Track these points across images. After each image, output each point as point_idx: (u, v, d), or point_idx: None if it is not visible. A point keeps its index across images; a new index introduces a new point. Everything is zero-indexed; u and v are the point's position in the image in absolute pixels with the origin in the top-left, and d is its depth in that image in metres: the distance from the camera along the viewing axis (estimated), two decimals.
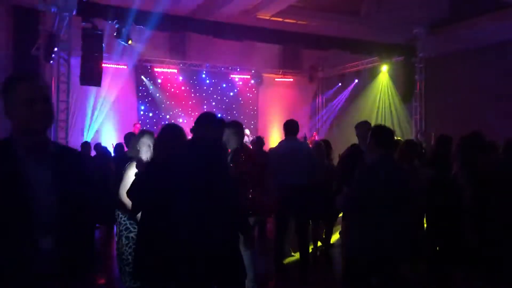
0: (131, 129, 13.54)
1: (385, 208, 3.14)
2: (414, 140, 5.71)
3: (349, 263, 3.34)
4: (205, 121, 3.48)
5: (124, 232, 3.94)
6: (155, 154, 3.54)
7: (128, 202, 3.83)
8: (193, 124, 3.63)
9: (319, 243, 6.95)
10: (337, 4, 14.07)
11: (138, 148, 4.05)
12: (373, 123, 6.39)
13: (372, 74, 15.45)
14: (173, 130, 3.48)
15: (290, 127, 5.78)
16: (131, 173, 3.87)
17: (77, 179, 2.05)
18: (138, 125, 14.09)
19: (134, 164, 3.92)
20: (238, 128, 4.82)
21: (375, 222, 3.16)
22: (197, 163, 3.12)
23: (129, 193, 3.40)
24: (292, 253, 6.66)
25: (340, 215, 6.63)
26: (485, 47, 11.81)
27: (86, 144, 8.68)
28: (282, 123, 17.90)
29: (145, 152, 4.03)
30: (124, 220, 3.97)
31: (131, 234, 3.89)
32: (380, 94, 15.12)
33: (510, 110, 10.78)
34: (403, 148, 5.22)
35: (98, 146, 8.61)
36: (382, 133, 3.36)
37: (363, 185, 3.23)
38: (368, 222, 3.20)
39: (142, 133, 4.25)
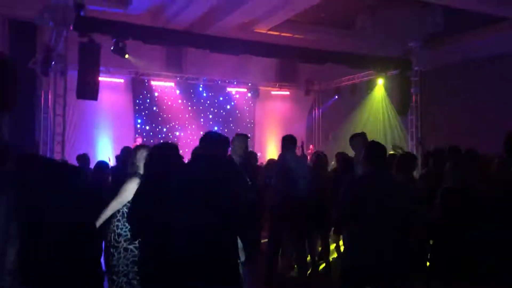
0: (130, 143, 13.54)
1: (378, 219, 3.12)
2: (411, 153, 5.72)
3: (345, 275, 3.30)
4: (208, 139, 3.48)
5: (123, 243, 3.87)
6: (148, 172, 3.46)
7: (104, 217, 3.92)
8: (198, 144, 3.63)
9: (316, 257, 6.90)
10: (333, 18, 14.23)
11: (137, 163, 4.00)
12: (368, 136, 6.40)
13: (368, 87, 15.53)
14: (167, 147, 3.44)
15: (289, 142, 5.82)
16: (128, 188, 3.86)
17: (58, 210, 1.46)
18: (139, 139, 14.05)
19: (133, 180, 3.89)
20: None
21: (368, 233, 3.13)
22: (195, 179, 3.12)
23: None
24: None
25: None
26: (480, 60, 11.93)
27: (82, 157, 8.57)
28: (279, 136, 17.93)
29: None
30: (125, 231, 3.88)
31: (131, 246, 3.81)
32: (376, 107, 15.18)
33: (505, 123, 10.85)
34: (401, 161, 5.22)
35: (85, 157, 8.47)
36: (376, 149, 3.38)
37: (354, 195, 3.22)
38: (361, 233, 3.17)
39: (140, 147, 4.18)
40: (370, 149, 3.38)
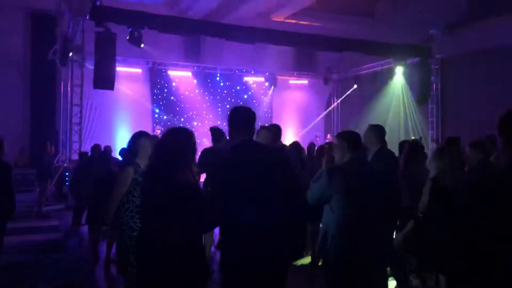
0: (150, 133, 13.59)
1: (354, 209, 3.14)
2: (418, 141, 5.51)
3: (327, 267, 3.28)
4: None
5: (127, 231, 3.78)
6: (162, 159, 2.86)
7: (111, 211, 3.88)
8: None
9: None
10: (352, 6, 13.98)
11: (136, 151, 3.91)
12: (388, 125, 6.20)
13: (388, 75, 15.24)
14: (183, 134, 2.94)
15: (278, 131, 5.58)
16: (121, 179, 3.84)
17: None
18: (159, 129, 14.07)
19: (126, 169, 3.83)
20: None
21: (345, 223, 3.15)
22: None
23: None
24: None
25: None
26: (504, 47, 11.54)
27: (96, 147, 8.64)
28: (297, 126, 17.80)
29: (143, 156, 3.84)
30: (127, 220, 3.81)
31: (134, 233, 3.67)
32: (396, 96, 14.90)
33: None
34: (408, 150, 5.09)
35: (96, 148, 8.57)
36: (349, 137, 3.43)
37: (329, 185, 3.23)
38: (337, 223, 3.18)
39: (139, 135, 4.03)
40: (344, 137, 3.42)
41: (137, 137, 4.00)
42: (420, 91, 13.55)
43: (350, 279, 3.13)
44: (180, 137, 2.92)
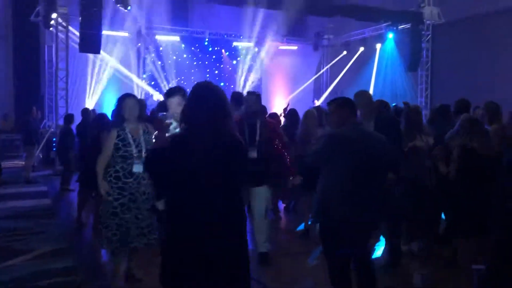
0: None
1: (353, 173, 3.11)
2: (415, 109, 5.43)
3: (323, 229, 3.29)
4: None
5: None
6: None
7: (100, 172, 3.80)
8: None
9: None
10: None
11: (122, 114, 3.84)
12: (377, 92, 6.09)
13: (378, 41, 15.14)
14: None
15: (235, 99, 5.51)
16: (105, 144, 3.81)
17: None
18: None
19: (111, 133, 3.78)
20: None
21: (342, 186, 3.13)
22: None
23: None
24: None
25: None
26: (494, 13, 11.45)
27: (85, 111, 8.57)
28: (286, 92, 17.62)
29: (129, 117, 3.80)
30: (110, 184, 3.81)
31: (110, 198, 3.73)
32: (385, 62, 14.83)
33: None
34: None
35: (86, 112, 8.54)
36: (350, 104, 3.36)
37: (329, 150, 3.21)
38: (335, 182, 3.16)
39: (125, 96, 3.94)
40: (342, 106, 3.33)
41: (123, 99, 3.92)
42: (411, 57, 13.49)
43: (344, 240, 3.14)
44: (221, 91, 2.56)
